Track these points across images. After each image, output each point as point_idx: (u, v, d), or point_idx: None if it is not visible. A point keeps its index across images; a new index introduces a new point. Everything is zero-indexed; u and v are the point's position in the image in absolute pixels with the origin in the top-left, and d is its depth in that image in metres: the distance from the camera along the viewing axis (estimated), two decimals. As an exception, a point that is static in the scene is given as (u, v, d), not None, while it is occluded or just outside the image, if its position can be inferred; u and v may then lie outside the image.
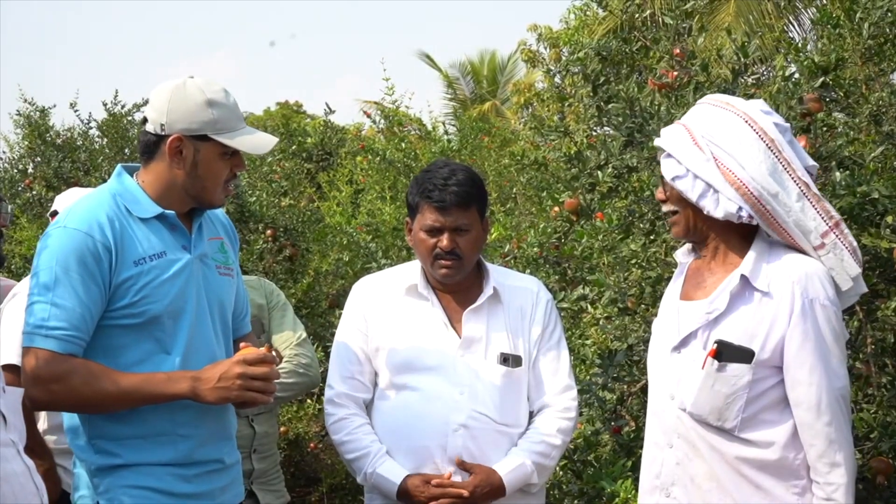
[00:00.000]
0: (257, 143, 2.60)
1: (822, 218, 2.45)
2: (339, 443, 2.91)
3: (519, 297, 2.96)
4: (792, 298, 2.39)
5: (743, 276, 2.44)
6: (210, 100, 2.54)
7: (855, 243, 2.49)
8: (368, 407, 2.94)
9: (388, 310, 2.94)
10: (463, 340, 2.87)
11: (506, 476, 2.80)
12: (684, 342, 2.50)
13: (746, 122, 2.45)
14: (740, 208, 2.42)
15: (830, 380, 2.39)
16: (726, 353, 2.40)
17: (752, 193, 2.41)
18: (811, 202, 2.46)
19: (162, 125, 2.54)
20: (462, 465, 2.79)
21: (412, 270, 2.98)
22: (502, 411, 2.85)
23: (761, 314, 2.42)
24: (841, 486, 2.37)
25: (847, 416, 2.43)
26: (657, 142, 2.58)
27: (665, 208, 2.59)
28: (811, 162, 2.54)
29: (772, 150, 2.44)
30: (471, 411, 2.82)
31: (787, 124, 2.53)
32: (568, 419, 2.91)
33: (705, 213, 2.47)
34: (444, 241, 2.84)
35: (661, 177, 2.55)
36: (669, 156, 2.51)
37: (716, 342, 2.42)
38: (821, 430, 2.37)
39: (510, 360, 2.88)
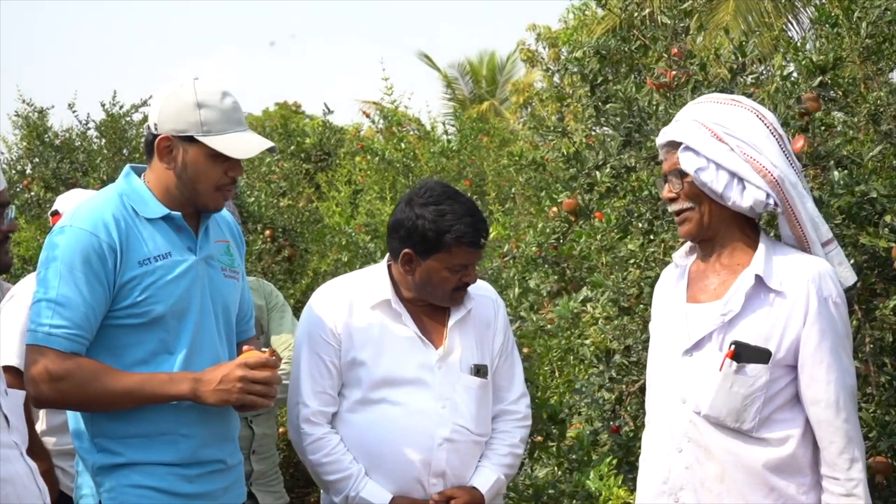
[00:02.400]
0: (242, 146, 2.57)
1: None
2: (317, 463, 2.81)
3: (482, 306, 2.93)
4: (807, 297, 2.39)
5: (757, 276, 2.42)
6: (200, 101, 2.53)
7: None
8: (334, 419, 2.86)
9: (360, 323, 2.83)
10: (443, 353, 2.83)
11: (487, 493, 2.82)
12: (697, 345, 2.47)
13: (758, 116, 2.47)
14: (768, 195, 2.41)
15: (844, 377, 2.40)
16: (745, 354, 2.39)
17: (776, 180, 2.40)
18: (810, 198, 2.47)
19: (155, 124, 2.56)
20: (445, 495, 2.78)
21: (379, 282, 2.87)
22: (478, 422, 2.85)
23: (776, 314, 2.41)
24: (861, 482, 2.38)
25: (857, 413, 2.45)
26: (674, 136, 2.51)
27: (674, 207, 2.54)
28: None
29: (780, 145, 2.46)
30: (453, 425, 2.79)
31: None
32: (526, 426, 2.97)
33: (730, 204, 2.44)
34: (471, 274, 2.82)
35: (681, 172, 2.49)
36: (688, 149, 2.46)
37: (733, 343, 2.40)
38: (840, 426, 2.38)
39: (481, 371, 2.86)
